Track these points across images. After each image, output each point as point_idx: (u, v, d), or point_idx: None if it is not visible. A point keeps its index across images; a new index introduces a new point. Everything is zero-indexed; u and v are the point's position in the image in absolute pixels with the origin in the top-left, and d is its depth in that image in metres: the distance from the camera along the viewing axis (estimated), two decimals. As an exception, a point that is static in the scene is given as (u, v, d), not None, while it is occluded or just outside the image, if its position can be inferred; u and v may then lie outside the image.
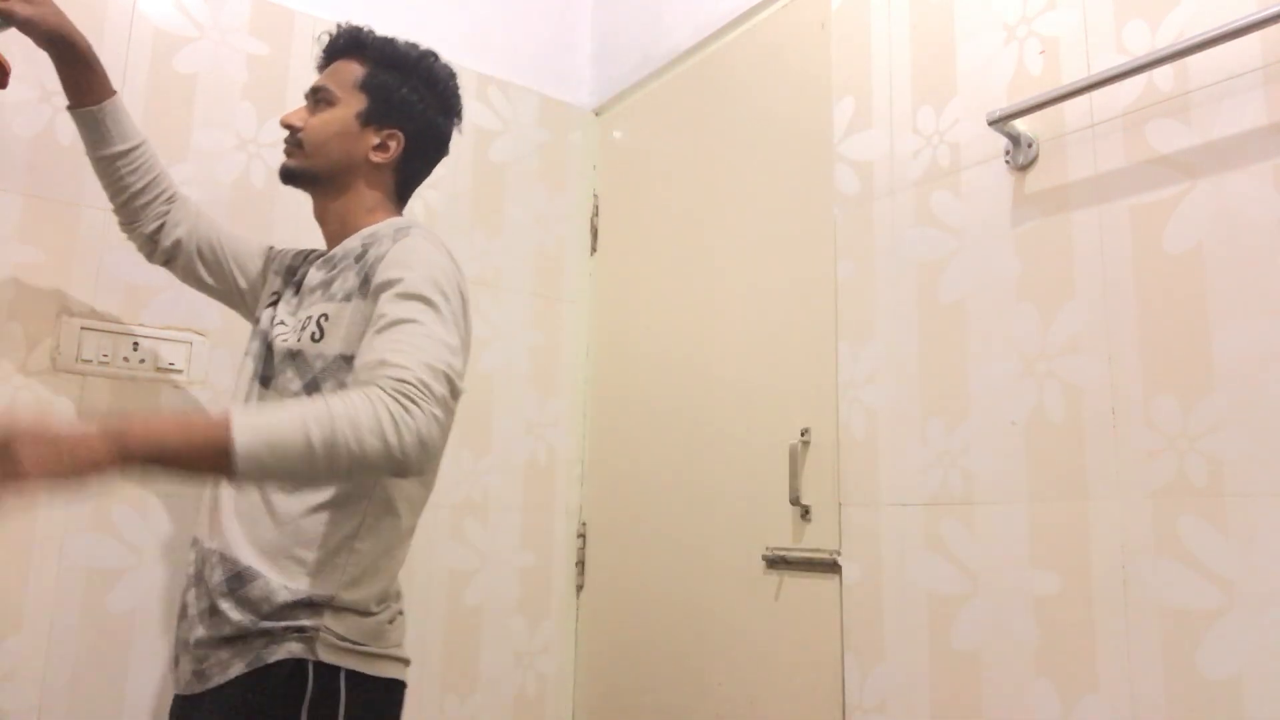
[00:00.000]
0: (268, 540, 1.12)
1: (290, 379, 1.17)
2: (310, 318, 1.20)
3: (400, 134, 1.30)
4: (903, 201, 1.43)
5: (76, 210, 1.52)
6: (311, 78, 1.35)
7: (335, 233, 1.30)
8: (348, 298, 1.17)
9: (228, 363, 1.62)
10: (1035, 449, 1.21)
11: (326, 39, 1.35)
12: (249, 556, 1.11)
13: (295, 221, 1.72)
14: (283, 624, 1.08)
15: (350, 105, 1.28)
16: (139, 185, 1.36)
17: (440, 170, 1.91)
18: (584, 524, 2.01)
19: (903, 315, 1.40)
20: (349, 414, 0.96)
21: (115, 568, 1.50)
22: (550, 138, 2.11)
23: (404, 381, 1.00)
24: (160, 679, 1.51)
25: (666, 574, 1.77)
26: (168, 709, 1.49)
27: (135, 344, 1.54)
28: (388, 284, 1.12)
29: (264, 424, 0.95)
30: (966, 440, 1.29)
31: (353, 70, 1.30)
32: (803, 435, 1.53)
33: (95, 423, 0.91)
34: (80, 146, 1.54)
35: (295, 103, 1.73)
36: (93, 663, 1.46)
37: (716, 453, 1.70)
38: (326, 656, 1.09)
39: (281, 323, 1.25)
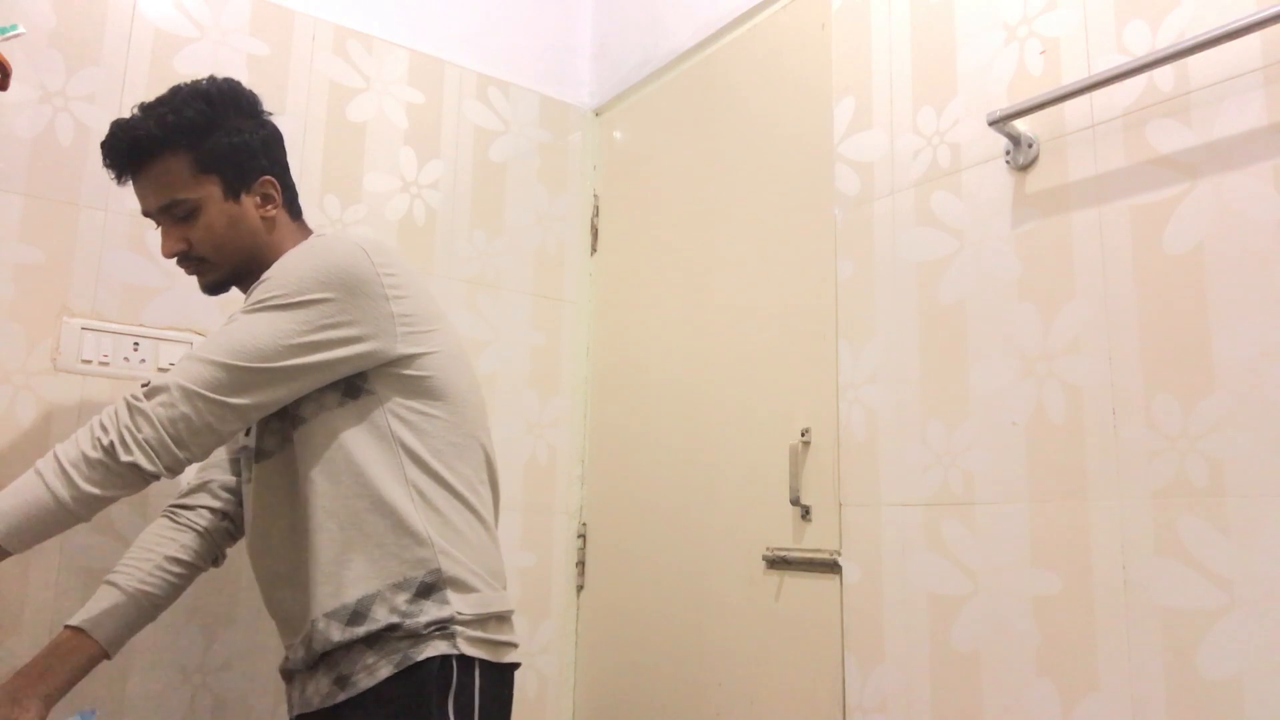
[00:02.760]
0: (357, 560, 1.13)
1: (276, 427, 1.21)
2: None
3: (266, 176, 1.26)
4: (903, 202, 1.43)
5: (76, 210, 1.52)
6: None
7: None
8: None
9: (228, 363, 1.62)
10: (1035, 449, 1.21)
11: (107, 152, 1.23)
12: (351, 591, 1.12)
13: (295, 222, 1.73)
14: (423, 620, 1.11)
15: (210, 195, 1.22)
16: (180, 580, 1.35)
17: (440, 170, 1.93)
18: (584, 524, 2.01)
19: (903, 315, 1.40)
20: (59, 451, 1.06)
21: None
22: (551, 138, 2.11)
23: (142, 386, 1.08)
24: (158, 678, 1.51)
25: (667, 574, 1.77)
26: (165, 709, 1.50)
27: (136, 344, 1.55)
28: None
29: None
30: (967, 440, 1.29)
31: (176, 164, 1.20)
32: (803, 435, 1.53)
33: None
34: (81, 147, 1.54)
35: (295, 103, 1.75)
36: (93, 663, 1.46)
37: (716, 453, 1.70)
38: (466, 649, 1.12)
39: None
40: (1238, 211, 1.06)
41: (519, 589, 1.91)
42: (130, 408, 1.07)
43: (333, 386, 1.16)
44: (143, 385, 1.09)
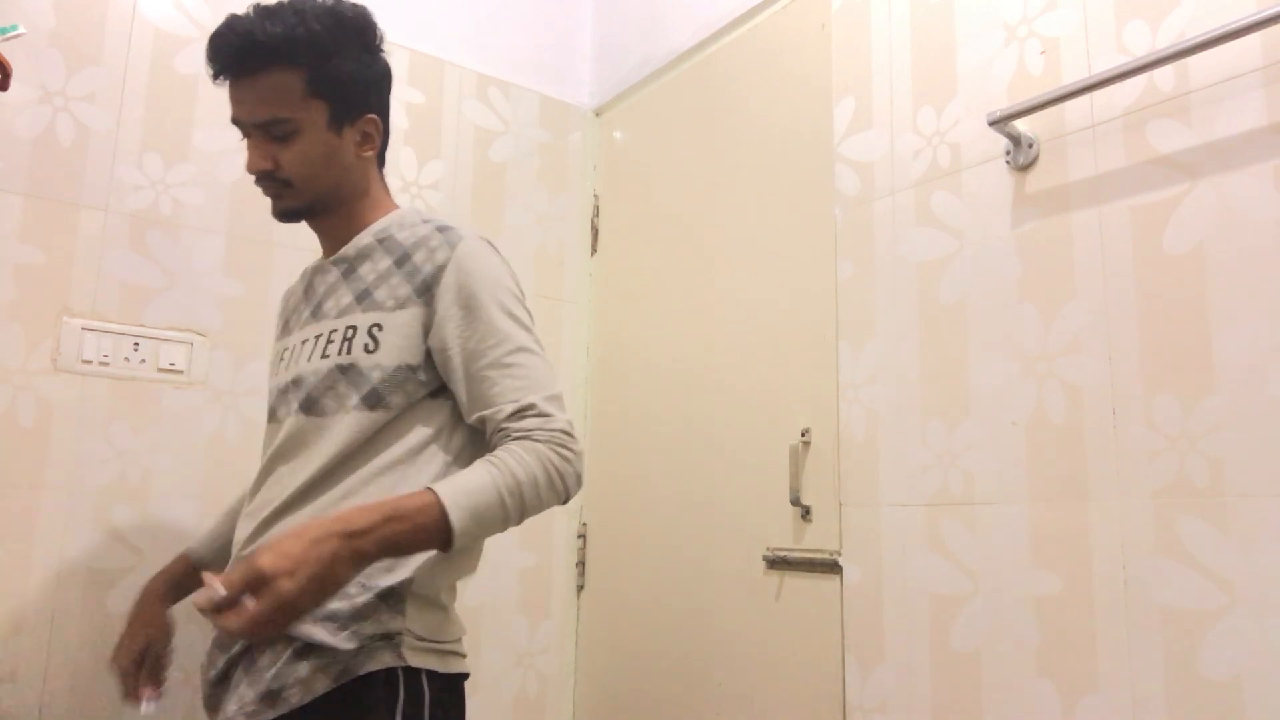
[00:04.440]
0: None
1: (345, 393, 1.11)
2: (355, 328, 1.14)
3: (372, 115, 1.20)
4: (903, 202, 1.43)
5: (77, 210, 1.52)
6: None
7: (341, 237, 1.23)
8: (401, 305, 1.12)
9: (228, 363, 1.62)
10: (1036, 449, 1.21)
11: (219, 47, 1.13)
12: None
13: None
14: (368, 631, 1.03)
15: (314, 121, 1.14)
16: None
17: (440, 170, 1.93)
18: (584, 524, 2.01)
19: (903, 315, 1.40)
20: (530, 477, 1.05)
21: (115, 568, 1.50)
22: (551, 138, 2.11)
23: (558, 432, 1.08)
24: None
25: (667, 575, 1.77)
26: (165, 709, 1.50)
27: (136, 344, 1.54)
28: (474, 304, 1.12)
29: (469, 501, 1.01)
30: (967, 441, 1.29)
31: (289, 81, 1.12)
32: (803, 435, 1.53)
33: (326, 536, 0.92)
34: (81, 147, 1.54)
35: (296, 103, 1.74)
36: (93, 663, 1.46)
37: (717, 453, 1.70)
38: (412, 660, 1.06)
39: (305, 342, 1.18)
40: (1238, 211, 1.06)
41: (519, 589, 1.91)
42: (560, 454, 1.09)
43: (430, 381, 1.13)
44: (562, 434, 1.09)
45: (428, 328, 1.12)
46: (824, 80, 1.59)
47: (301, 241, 1.72)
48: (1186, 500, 1.06)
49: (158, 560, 1.52)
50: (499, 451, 1.06)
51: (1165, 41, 1.14)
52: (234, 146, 1.69)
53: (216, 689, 1.10)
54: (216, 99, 1.68)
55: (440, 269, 1.12)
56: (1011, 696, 1.19)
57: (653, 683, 1.76)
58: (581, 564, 1.99)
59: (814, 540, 1.49)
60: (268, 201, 1.69)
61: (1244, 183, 1.05)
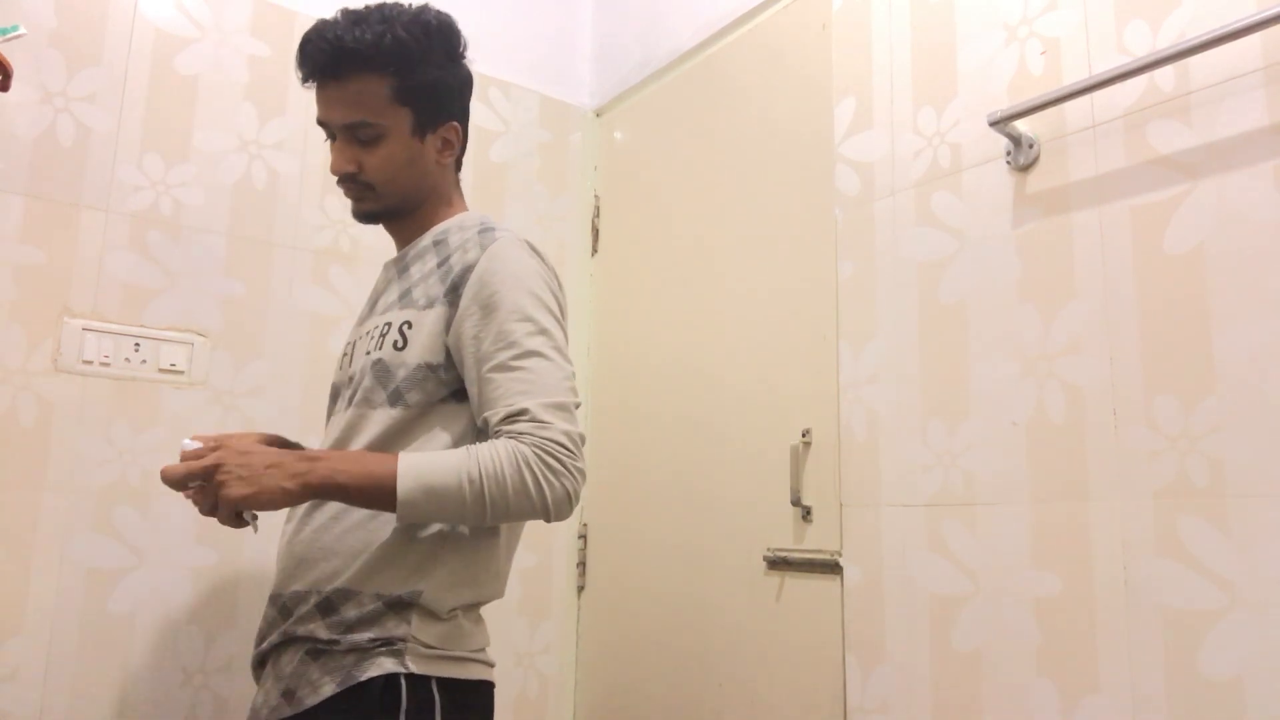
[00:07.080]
0: (352, 554, 1.09)
1: (372, 389, 1.14)
2: (390, 325, 1.16)
3: (454, 122, 1.23)
4: (904, 202, 1.43)
5: (77, 210, 1.52)
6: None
7: (409, 237, 1.26)
8: (430, 304, 1.14)
9: (229, 364, 1.62)
10: (1036, 449, 1.21)
11: (310, 53, 1.16)
12: (338, 580, 1.09)
13: (295, 222, 1.73)
14: (369, 635, 1.06)
15: (399, 126, 1.18)
16: None
17: (441, 171, 1.92)
18: (585, 525, 2.01)
19: (904, 316, 1.40)
20: (497, 472, 1.03)
21: (116, 568, 1.50)
22: (551, 138, 2.11)
23: (550, 440, 1.05)
24: (159, 679, 1.51)
25: (667, 575, 1.77)
26: (167, 710, 1.50)
27: (137, 344, 1.55)
28: (493, 304, 1.10)
29: (425, 475, 1.02)
30: (967, 441, 1.29)
31: (376, 87, 1.16)
32: (804, 436, 1.53)
33: (284, 454, 1.03)
34: (82, 147, 1.55)
35: (297, 105, 1.75)
36: (93, 663, 1.46)
37: (717, 453, 1.70)
38: (417, 667, 1.06)
39: (361, 339, 1.22)
40: (1238, 211, 1.06)
41: (519, 589, 1.91)
42: (545, 462, 1.05)
43: (451, 381, 1.13)
44: (553, 443, 1.05)
45: (449, 326, 1.13)
46: (824, 80, 1.59)
47: (301, 242, 1.72)
48: (1186, 500, 1.06)
49: (158, 560, 1.53)
50: (481, 444, 1.06)
51: (1166, 42, 1.14)
52: (234, 147, 1.69)
53: (259, 664, 1.17)
54: (216, 99, 1.68)
55: (468, 269, 1.13)
56: (1012, 696, 1.19)
57: (653, 683, 1.76)
58: (582, 564, 1.99)
59: (814, 540, 1.49)
60: (267, 204, 1.71)
61: (1244, 183, 1.06)
